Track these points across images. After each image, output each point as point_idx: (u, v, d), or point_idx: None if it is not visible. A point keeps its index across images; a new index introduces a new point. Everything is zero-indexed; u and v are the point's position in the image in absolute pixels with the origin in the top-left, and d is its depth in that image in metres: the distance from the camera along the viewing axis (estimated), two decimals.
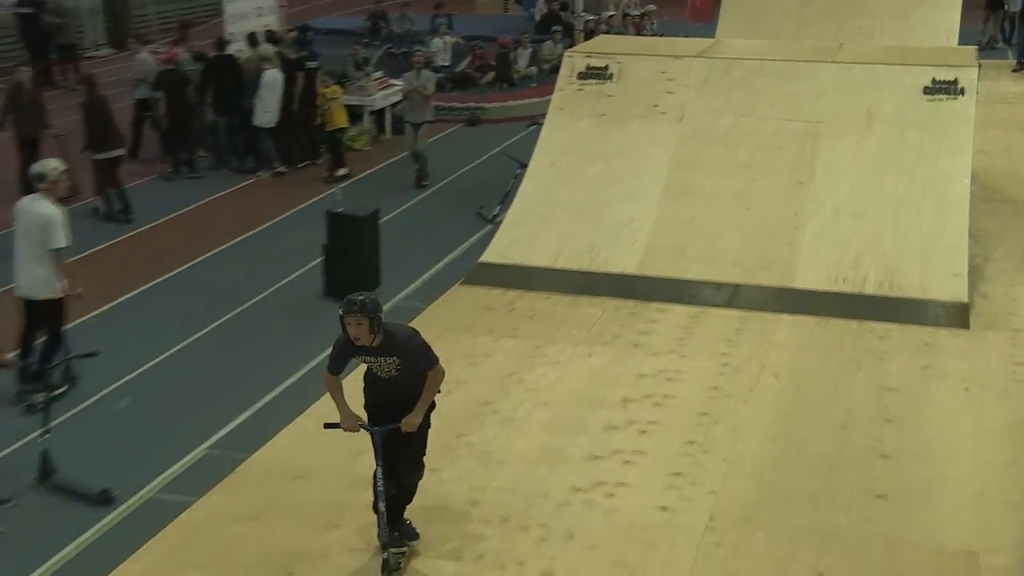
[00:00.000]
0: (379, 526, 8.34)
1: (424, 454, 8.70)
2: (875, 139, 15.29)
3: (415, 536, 8.88)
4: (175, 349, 13.36)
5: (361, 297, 8.08)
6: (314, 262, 15.29)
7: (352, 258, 14.87)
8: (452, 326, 13.29)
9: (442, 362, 8.52)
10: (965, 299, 13.57)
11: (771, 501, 9.69)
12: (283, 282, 15.46)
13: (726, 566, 8.83)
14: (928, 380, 11.92)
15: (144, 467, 10.60)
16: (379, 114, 23.46)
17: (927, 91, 15.43)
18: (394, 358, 8.25)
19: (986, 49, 25.29)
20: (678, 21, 27.66)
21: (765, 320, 13.34)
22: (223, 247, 17.22)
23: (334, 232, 15.07)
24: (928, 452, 10.50)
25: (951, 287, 13.77)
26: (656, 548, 9.04)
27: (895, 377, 11.95)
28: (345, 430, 8.43)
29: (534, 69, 27.07)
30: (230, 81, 21.13)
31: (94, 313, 12.87)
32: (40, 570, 9.15)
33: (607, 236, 15.02)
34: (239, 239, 17.57)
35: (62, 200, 12.29)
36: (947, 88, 15.38)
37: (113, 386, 12.40)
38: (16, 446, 10.97)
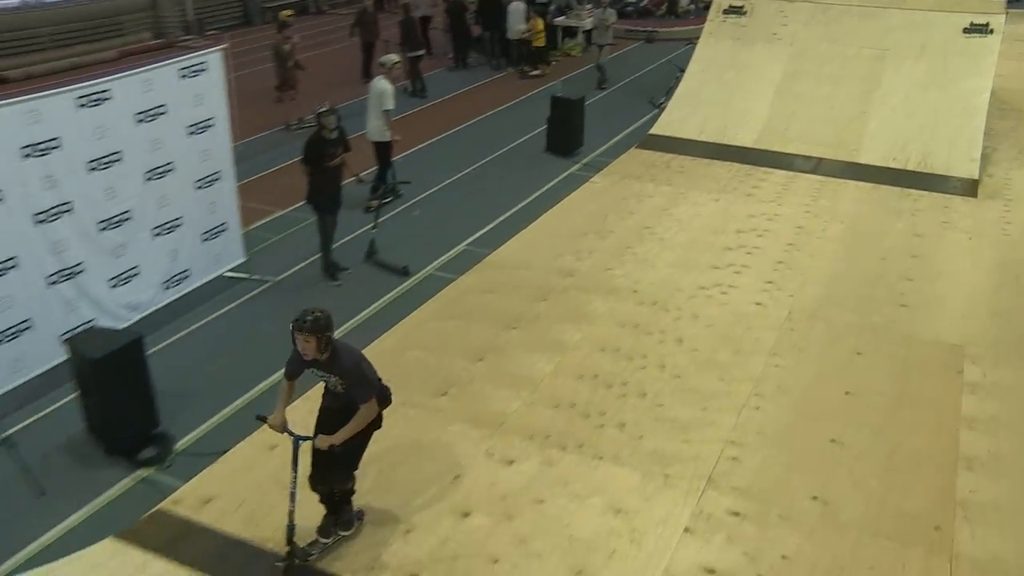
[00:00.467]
0: (288, 526, 5.86)
1: (353, 468, 6.15)
2: (924, 64, 14.52)
3: (351, 525, 6.27)
4: (452, 179, 13.53)
5: (311, 316, 5.72)
6: (540, 128, 15.14)
7: (566, 127, 14.75)
8: (628, 175, 13.20)
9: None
10: (976, 176, 12.98)
11: (830, 304, 9.53)
12: (521, 140, 15.43)
13: (796, 343, 8.78)
14: (944, 230, 11.47)
15: (429, 254, 10.86)
16: (588, 33, 22.94)
17: (966, 31, 14.62)
18: (338, 377, 5.95)
19: (1013, 2, 23.63)
20: None
21: (837, 184, 12.93)
22: (484, 115, 17.18)
23: (555, 108, 14.90)
24: (938, 278, 10.19)
25: (967, 168, 13.17)
26: (751, 329, 9.01)
27: (922, 227, 11.52)
28: (270, 427, 5.99)
29: (693, 6, 26.24)
30: (493, 7, 20.94)
31: (406, 152, 13.03)
32: (362, 314, 9.54)
33: (735, 120, 14.65)
34: (494, 111, 17.50)
35: (393, 81, 12.49)
36: (980, 29, 14.55)
37: (414, 199, 12.67)
38: (357, 233, 11.23)
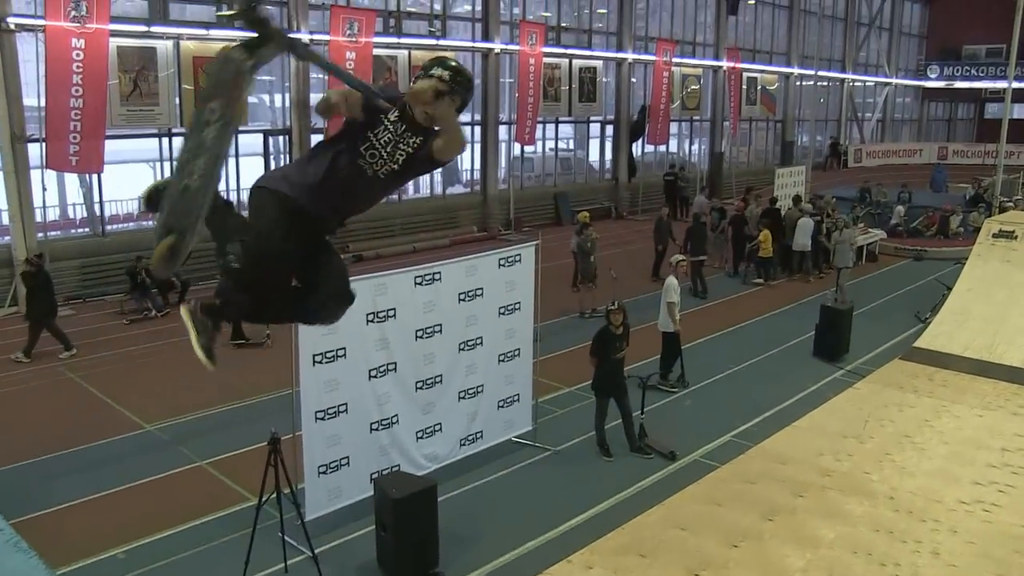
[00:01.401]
0: None
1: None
2: None
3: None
4: (724, 374, 13.05)
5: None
6: (809, 334, 14.41)
7: (834, 333, 13.92)
8: (890, 384, 12.10)
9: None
10: None
11: None
12: (790, 343, 14.70)
13: None
14: None
15: (696, 441, 10.40)
16: (859, 249, 21.83)
17: None
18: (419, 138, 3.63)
19: None
20: None
21: None
22: (759, 318, 16.57)
23: (824, 316, 14.14)
24: None
25: None
26: (1019, 553, 7.73)
27: None
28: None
29: (962, 228, 24.39)
30: (776, 222, 20.38)
31: (686, 346, 12.76)
32: (629, 490, 9.20)
33: (1004, 338, 13.08)
34: (768, 315, 16.85)
35: (679, 279, 12.49)
36: None
37: (689, 390, 12.31)
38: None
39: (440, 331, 9.27)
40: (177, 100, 18.36)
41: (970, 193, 27.77)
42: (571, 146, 29.96)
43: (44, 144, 16.04)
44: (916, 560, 7.56)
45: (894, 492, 8.81)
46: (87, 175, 17.94)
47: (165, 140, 18.64)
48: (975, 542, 7.87)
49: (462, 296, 9.48)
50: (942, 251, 22.40)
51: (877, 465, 9.42)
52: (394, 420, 8.91)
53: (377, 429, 8.78)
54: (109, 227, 18.64)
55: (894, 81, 47.03)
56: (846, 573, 7.32)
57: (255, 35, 3.28)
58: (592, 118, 29.17)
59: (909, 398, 11.52)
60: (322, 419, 8.22)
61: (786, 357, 14.03)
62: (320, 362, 8.12)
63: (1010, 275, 14.24)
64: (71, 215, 19.38)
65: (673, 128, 31.29)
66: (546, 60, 25.26)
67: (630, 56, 29.23)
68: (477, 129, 24.93)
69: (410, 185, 23.89)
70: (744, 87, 33.98)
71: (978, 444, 10.04)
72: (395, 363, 8.85)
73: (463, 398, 9.68)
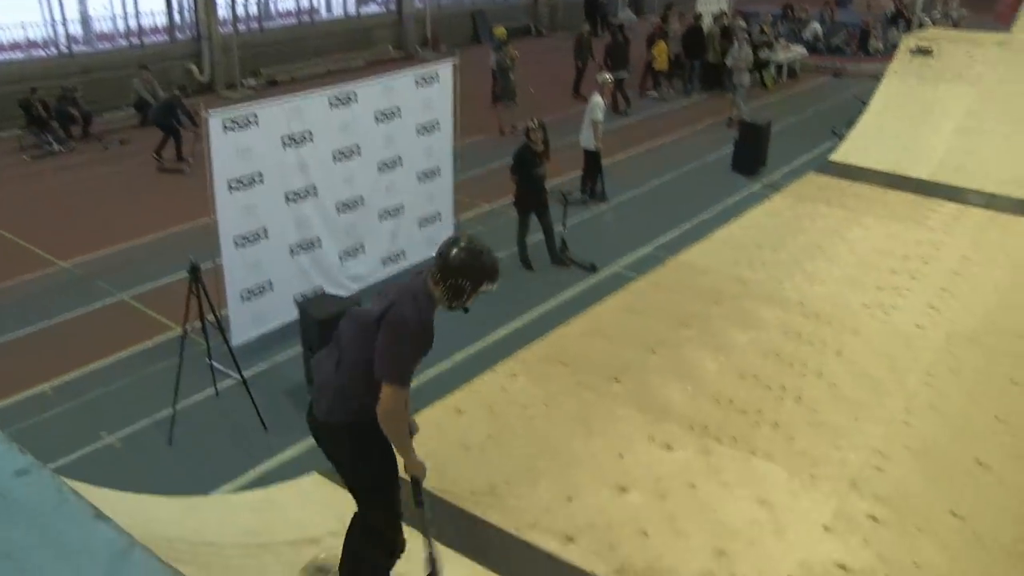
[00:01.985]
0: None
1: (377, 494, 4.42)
2: None
3: None
4: (643, 189, 13.34)
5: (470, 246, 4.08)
6: (727, 149, 14.72)
7: (752, 149, 14.27)
8: (802, 197, 12.56)
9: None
10: None
11: (989, 332, 8.74)
12: (709, 158, 15.02)
13: (952, 366, 8.12)
14: None
15: (616, 254, 10.76)
16: (780, 67, 21.93)
17: None
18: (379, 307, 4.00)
19: None
20: (986, 22, 24.39)
21: (1008, 220, 11.85)
22: (677, 136, 16.77)
23: (743, 131, 14.43)
24: None
25: None
26: (909, 348, 8.40)
27: None
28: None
29: (882, 45, 24.59)
30: (696, 41, 20.32)
31: (606, 163, 12.90)
32: (551, 301, 9.56)
33: (914, 153, 13.63)
34: (687, 131, 17.07)
35: (604, 97, 12.46)
36: None
37: (609, 205, 12.58)
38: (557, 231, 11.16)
39: (359, 152, 9.23)
40: None
41: (891, 11, 27.78)
42: None
43: None
44: (821, 360, 8.16)
45: (804, 299, 9.36)
46: None
47: None
48: (873, 341, 8.52)
49: (379, 116, 9.38)
50: (861, 68, 22.64)
51: (789, 274, 9.94)
52: (316, 243, 9.00)
53: (298, 253, 8.85)
54: None
55: None
56: (756, 373, 7.88)
57: None
58: None
59: (822, 209, 12.02)
60: (242, 245, 8.23)
61: (705, 172, 14.37)
62: (236, 188, 8.05)
63: (925, 92, 14.61)
64: None
65: None
66: None
67: None
68: None
69: (322, 5, 22.96)
70: None
71: (883, 252, 10.63)
72: (314, 186, 8.82)
73: (384, 218, 9.77)
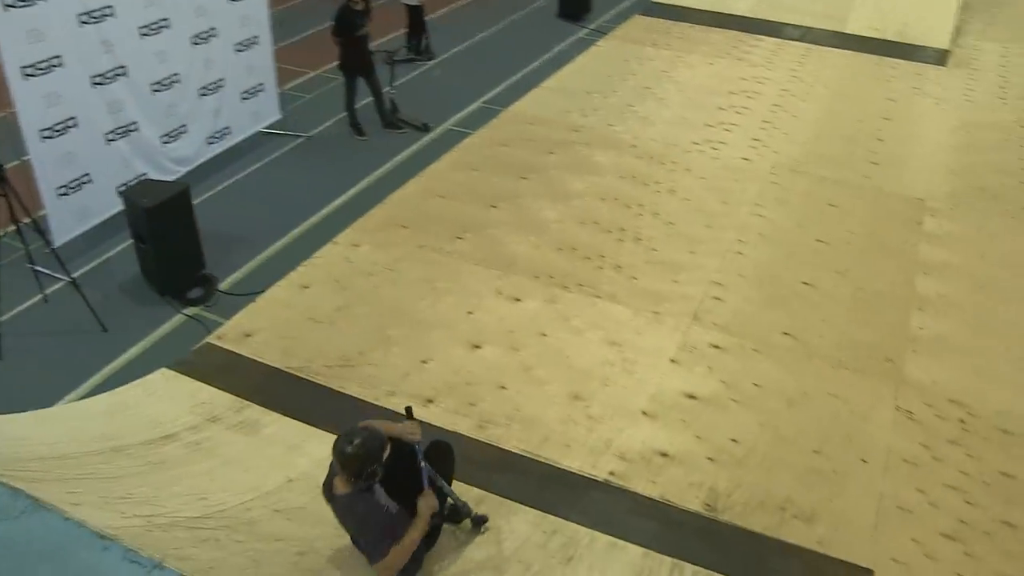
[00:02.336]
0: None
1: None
2: None
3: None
4: (470, 42, 13.06)
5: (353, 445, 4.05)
6: None
7: None
8: (630, 40, 12.57)
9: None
10: (947, 47, 12.38)
11: (809, 160, 9.24)
12: (534, 6, 14.78)
13: (778, 195, 8.56)
14: (915, 96, 11.00)
15: (447, 111, 10.59)
16: None
17: None
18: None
19: None
20: None
21: (823, 51, 12.31)
22: None
23: None
24: (907, 139, 9.87)
25: (940, 38, 12.55)
26: (738, 181, 8.76)
27: (895, 92, 11.04)
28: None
29: None
30: None
31: (428, 18, 12.48)
32: (386, 166, 9.37)
33: None
34: None
35: None
36: None
37: (436, 61, 12.26)
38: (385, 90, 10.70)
39: (168, 25, 8.53)
40: None
41: None
42: None
43: None
44: (656, 199, 8.40)
45: (636, 141, 9.52)
46: None
47: None
48: (705, 177, 8.82)
49: None
50: None
51: (621, 117, 10.06)
52: (132, 127, 8.37)
53: (114, 139, 8.21)
54: None
55: None
56: (595, 217, 8.03)
57: None
58: None
59: (649, 51, 12.10)
60: (49, 137, 7.55)
61: (531, 21, 14.18)
62: (32, 75, 7.30)
63: None
64: None
65: None
66: None
67: None
68: None
69: None
70: None
71: (709, 90, 10.87)
72: (124, 66, 8.13)
73: (204, 94, 9.16)
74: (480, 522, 4.83)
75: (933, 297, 7.15)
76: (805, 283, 7.22)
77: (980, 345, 6.65)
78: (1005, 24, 13.66)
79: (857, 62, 12.01)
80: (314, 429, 5.49)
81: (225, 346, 6.34)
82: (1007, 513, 5.25)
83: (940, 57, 12.21)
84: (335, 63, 10.15)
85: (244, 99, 9.67)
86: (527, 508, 5.06)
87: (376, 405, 5.77)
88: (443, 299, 6.88)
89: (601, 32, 13.19)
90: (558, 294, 6.96)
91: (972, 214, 8.40)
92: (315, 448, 5.25)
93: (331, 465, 4.22)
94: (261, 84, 9.86)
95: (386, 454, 4.17)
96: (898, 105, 10.71)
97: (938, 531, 5.10)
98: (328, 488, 4.29)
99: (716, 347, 6.44)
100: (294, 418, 5.63)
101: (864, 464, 5.53)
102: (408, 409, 4.80)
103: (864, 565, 4.87)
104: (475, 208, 8.16)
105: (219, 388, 5.88)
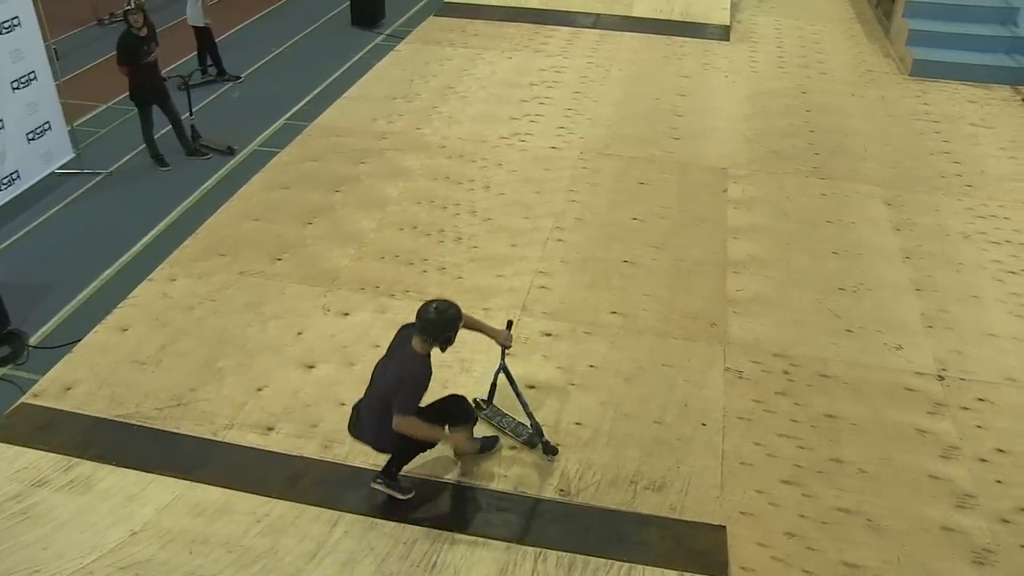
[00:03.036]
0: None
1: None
2: None
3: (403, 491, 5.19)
4: (266, 59, 12.68)
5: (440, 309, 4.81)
6: (344, 5, 14.34)
7: (368, 1, 14.03)
8: (428, 41, 12.58)
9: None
10: (728, 23, 13.17)
11: (615, 141, 9.57)
12: (327, 16, 14.54)
13: (589, 179, 8.81)
14: (706, 71, 11.63)
15: (251, 132, 10.24)
16: None
17: None
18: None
19: None
20: None
21: (615, 36, 12.79)
22: None
23: None
24: (703, 112, 10.38)
25: (720, 15, 13.36)
26: (550, 170, 8.95)
27: (687, 69, 11.63)
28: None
29: None
30: None
31: (220, 38, 11.99)
32: (195, 195, 8.96)
33: None
34: None
35: None
36: None
37: (234, 81, 11.83)
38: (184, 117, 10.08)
39: None
40: None
41: None
42: None
43: None
44: (472, 196, 8.43)
45: (445, 141, 9.53)
46: None
47: None
48: (516, 169, 8.94)
49: None
50: None
51: (427, 120, 10.04)
52: None
53: None
54: None
55: None
56: (414, 222, 7.98)
57: None
58: None
59: (447, 51, 12.16)
60: None
61: (326, 32, 13.94)
62: None
63: None
64: None
65: None
66: None
67: None
68: None
69: None
70: None
71: (511, 84, 11.04)
72: None
73: None
74: (551, 451, 5.51)
75: (746, 259, 7.55)
76: (626, 261, 7.45)
77: (792, 298, 7.08)
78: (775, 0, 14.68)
79: (648, 43, 12.55)
80: (152, 475, 5.22)
81: (43, 403, 5.89)
82: (835, 451, 5.63)
83: (723, 33, 12.94)
84: (126, 94, 9.60)
85: (30, 140, 8.99)
86: (384, 521, 4.99)
87: (216, 441, 5.52)
88: (270, 323, 6.65)
89: (398, 37, 13.14)
90: (386, 303, 6.87)
91: (770, 177, 8.93)
92: (156, 494, 4.98)
93: (401, 330, 5.06)
94: (47, 123, 9.19)
95: (460, 327, 4.89)
96: (692, 81, 11.25)
97: (779, 479, 5.39)
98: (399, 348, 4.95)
99: (548, 335, 6.54)
100: (130, 467, 5.31)
101: (704, 427, 5.76)
102: (509, 323, 5.57)
103: (716, 523, 5.07)
104: (291, 227, 7.93)
105: (42, 449, 5.46)
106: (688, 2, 13.63)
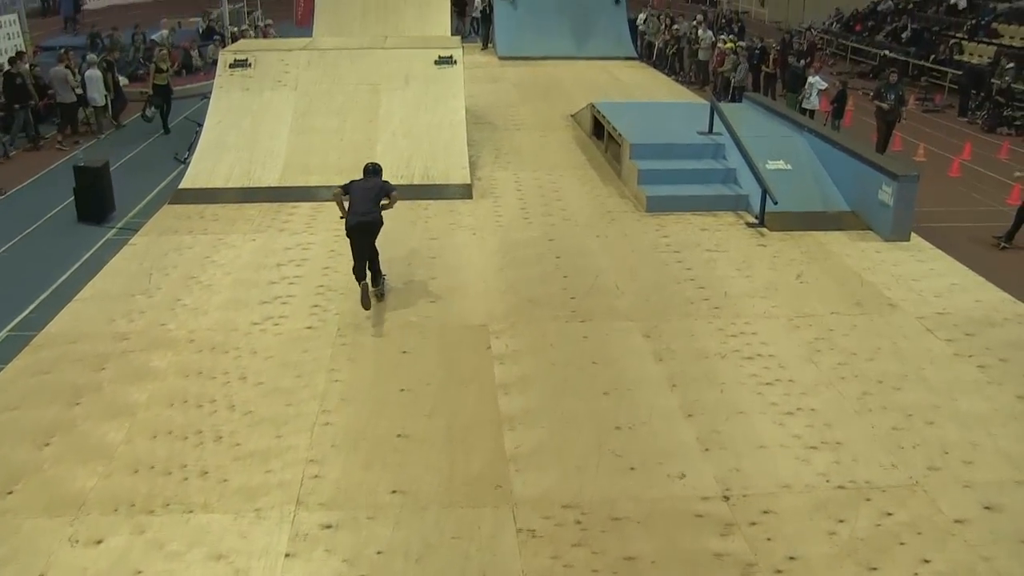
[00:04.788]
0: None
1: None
2: (411, 91, 15.15)
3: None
4: None
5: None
6: (68, 199, 13.81)
7: (94, 194, 13.59)
8: (165, 231, 12.22)
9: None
10: (469, 181, 13.84)
11: (372, 313, 9.57)
12: (48, 215, 13.91)
13: (349, 355, 8.75)
14: (453, 230, 12.09)
15: None
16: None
17: (436, 63, 15.50)
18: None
19: (465, 38, 25.81)
20: (288, 27, 26.48)
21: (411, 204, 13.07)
22: (4, 196, 15.19)
23: (80, 178, 13.65)
24: (457, 271, 10.73)
25: (460, 174, 13.99)
26: (308, 350, 8.82)
27: (435, 230, 12.05)
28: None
29: (202, 61, 25.16)
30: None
31: None
32: None
33: (258, 163, 14.15)
34: (11, 192, 15.53)
35: None
36: (447, 60, 15.52)
37: None
38: None
39: None
40: None
41: (202, 26, 28.39)
42: None
43: None
44: (228, 390, 8.11)
45: (193, 335, 9.19)
46: None
47: None
48: (272, 355, 8.73)
49: None
50: (187, 88, 22.88)
51: (171, 314, 9.66)
52: None
53: None
54: None
55: None
56: (167, 427, 7.54)
57: None
58: None
59: (186, 240, 11.86)
60: None
61: (49, 231, 13.33)
62: None
63: (251, 102, 15.22)
64: None
65: None
66: None
67: None
68: None
69: None
70: None
71: (257, 266, 10.91)
72: None
73: None
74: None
75: (519, 413, 7.71)
76: (399, 435, 7.39)
77: (572, 444, 7.28)
78: (511, 154, 15.63)
79: (394, 209, 12.86)
80: None
81: None
82: None
83: (465, 191, 13.58)
84: None
85: None
86: None
87: None
88: (3, 570, 5.94)
89: (131, 229, 12.74)
90: (145, 521, 6.37)
91: (530, 326, 9.29)
92: None
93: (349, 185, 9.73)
94: None
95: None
96: (440, 241, 11.64)
97: None
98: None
99: (328, 527, 6.30)
100: None
101: None
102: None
103: None
104: (23, 451, 7.24)
105: None
106: (428, 165, 14.21)
